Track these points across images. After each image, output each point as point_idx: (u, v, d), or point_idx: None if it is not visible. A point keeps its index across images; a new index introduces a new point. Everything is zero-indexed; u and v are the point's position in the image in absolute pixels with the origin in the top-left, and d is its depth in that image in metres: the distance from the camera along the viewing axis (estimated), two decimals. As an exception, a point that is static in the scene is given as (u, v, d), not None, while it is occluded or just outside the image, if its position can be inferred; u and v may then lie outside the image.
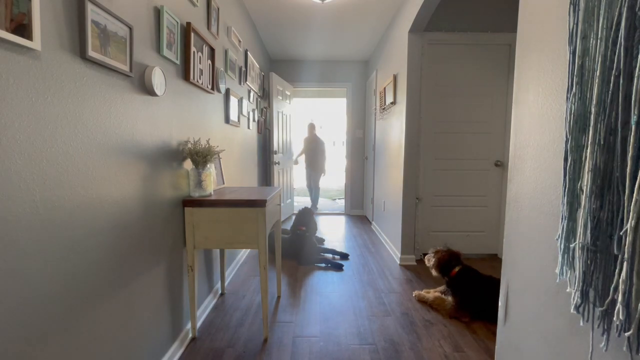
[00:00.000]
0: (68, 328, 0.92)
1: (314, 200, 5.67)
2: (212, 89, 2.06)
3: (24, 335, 0.78)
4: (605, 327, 0.79)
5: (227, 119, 2.50)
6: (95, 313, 1.03)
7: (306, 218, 3.20)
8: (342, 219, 4.92)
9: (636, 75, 0.65)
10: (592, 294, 0.82)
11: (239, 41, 2.79)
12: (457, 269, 2.08)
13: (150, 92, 1.33)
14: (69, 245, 0.92)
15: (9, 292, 0.74)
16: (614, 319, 0.71)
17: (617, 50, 0.71)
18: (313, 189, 5.62)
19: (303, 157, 5.64)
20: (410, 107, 2.82)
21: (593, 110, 0.77)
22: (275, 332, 1.82)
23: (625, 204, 0.69)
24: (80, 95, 0.96)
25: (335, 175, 10.89)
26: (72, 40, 0.92)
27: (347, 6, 3.13)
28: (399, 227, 3.01)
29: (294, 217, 3.60)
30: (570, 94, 0.86)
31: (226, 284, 2.44)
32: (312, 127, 5.53)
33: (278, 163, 4.22)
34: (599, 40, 0.76)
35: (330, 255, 3.14)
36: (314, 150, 5.49)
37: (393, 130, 3.31)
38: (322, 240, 3.62)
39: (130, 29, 1.17)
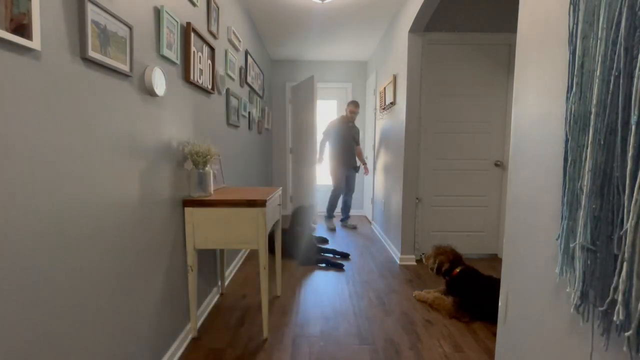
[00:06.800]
0: (68, 329, 0.92)
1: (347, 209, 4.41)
2: (212, 89, 2.06)
3: (24, 336, 0.78)
4: (605, 327, 0.79)
5: (227, 119, 2.49)
6: (95, 313, 1.03)
7: (301, 217, 3.20)
8: (342, 219, 4.91)
9: (636, 75, 0.66)
10: (592, 294, 0.82)
11: (239, 41, 2.79)
12: (457, 269, 2.09)
13: (151, 92, 1.33)
14: (68, 246, 0.92)
15: (9, 293, 0.74)
16: (614, 319, 0.71)
17: (617, 50, 0.71)
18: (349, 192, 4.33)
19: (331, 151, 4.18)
20: (410, 107, 2.82)
21: (593, 110, 0.77)
22: (275, 332, 1.82)
23: (625, 204, 0.69)
24: (80, 95, 0.95)
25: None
26: (72, 40, 0.92)
27: (347, 6, 3.12)
28: (399, 227, 3.00)
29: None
30: (570, 94, 0.86)
31: (226, 283, 2.43)
32: (356, 104, 4.11)
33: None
34: (599, 40, 0.76)
35: (330, 255, 3.14)
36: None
37: (393, 130, 3.30)
38: (325, 241, 3.62)
39: (130, 29, 1.17)
